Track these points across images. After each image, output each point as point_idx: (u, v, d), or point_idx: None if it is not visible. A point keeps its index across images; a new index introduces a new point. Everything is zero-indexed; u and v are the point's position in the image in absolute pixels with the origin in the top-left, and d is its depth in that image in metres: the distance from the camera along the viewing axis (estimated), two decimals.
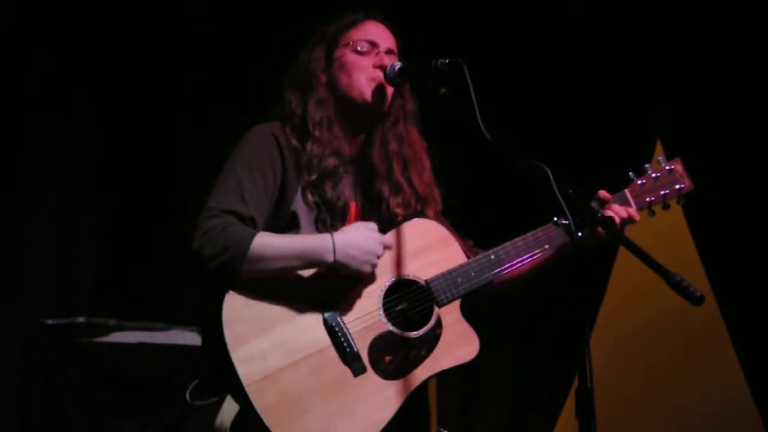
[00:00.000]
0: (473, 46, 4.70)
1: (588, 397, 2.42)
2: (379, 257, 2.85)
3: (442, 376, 2.96)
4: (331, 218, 2.93)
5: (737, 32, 4.69)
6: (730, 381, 4.85)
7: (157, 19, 4.68)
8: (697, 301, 2.45)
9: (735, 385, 4.76)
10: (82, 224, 4.59)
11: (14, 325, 4.37)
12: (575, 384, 2.45)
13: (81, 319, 4.40)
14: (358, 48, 3.02)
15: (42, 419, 4.35)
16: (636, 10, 4.83)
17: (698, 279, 4.50)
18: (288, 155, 2.93)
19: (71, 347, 4.38)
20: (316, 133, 2.95)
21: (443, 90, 2.82)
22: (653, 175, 3.20)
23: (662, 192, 3.19)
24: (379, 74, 3.00)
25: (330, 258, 2.80)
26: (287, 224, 2.90)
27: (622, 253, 4.74)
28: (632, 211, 3.12)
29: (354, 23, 3.07)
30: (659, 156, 3.24)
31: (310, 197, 2.92)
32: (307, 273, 2.86)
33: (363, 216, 3.02)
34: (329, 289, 2.87)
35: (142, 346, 4.43)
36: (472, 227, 3.26)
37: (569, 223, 2.57)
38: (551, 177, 2.59)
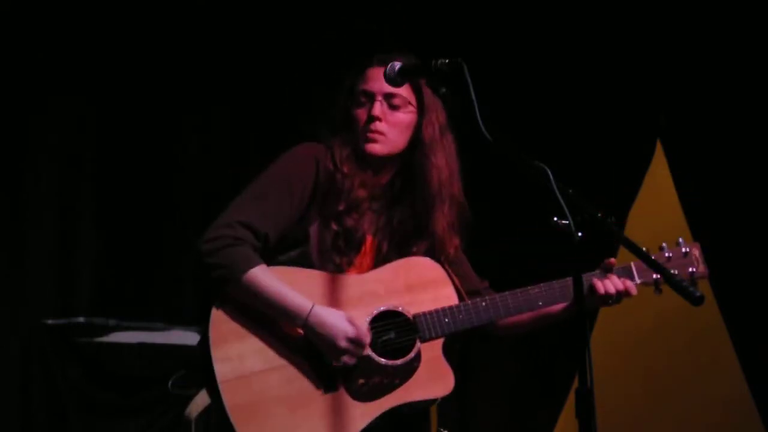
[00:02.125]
0: (473, 46, 4.70)
1: (588, 397, 2.43)
2: (341, 349, 2.88)
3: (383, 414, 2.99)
4: (346, 247, 3.01)
5: (737, 32, 4.69)
6: (730, 381, 4.85)
7: (157, 16, 4.67)
8: (697, 301, 2.45)
9: (735, 385, 4.76)
10: (82, 224, 4.60)
11: (14, 325, 4.37)
12: (575, 384, 2.46)
13: (81, 319, 4.41)
14: (360, 101, 3.08)
15: (42, 419, 4.35)
16: (636, 9, 4.83)
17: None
18: (323, 180, 3.01)
19: (71, 347, 4.39)
20: (345, 168, 3.03)
21: (443, 90, 2.82)
22: (666, 254, 3.18)
23: (672, 272, 3.08)
24: (375, 125, 3.04)
25: (299, 323, 2.90)
26: (301, 241, 2.99)
27: (622, 253, 4.74)
28: (630, 285, 3.11)
29: (361, 71, 3.12)
30: (680, 238, 3.22)
31: (333, 225, 3.00)
32: (299, 290, 2.93)
33: (377, 252, 3.08)
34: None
35: (142, 346, 4.43)
36: (473, 227, 3.26)
37: (569, 223, 2.57)
38: (552, 177, 2.59)
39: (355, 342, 2.89)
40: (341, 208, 3.00)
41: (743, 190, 4.68)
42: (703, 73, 4.75)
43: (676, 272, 3.15)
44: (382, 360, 2.94)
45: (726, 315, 4.69)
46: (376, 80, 3.07)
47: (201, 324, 2.96)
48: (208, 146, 4.75)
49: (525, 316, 3.14)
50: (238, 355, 2.86)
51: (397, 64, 3.00)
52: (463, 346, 3.09)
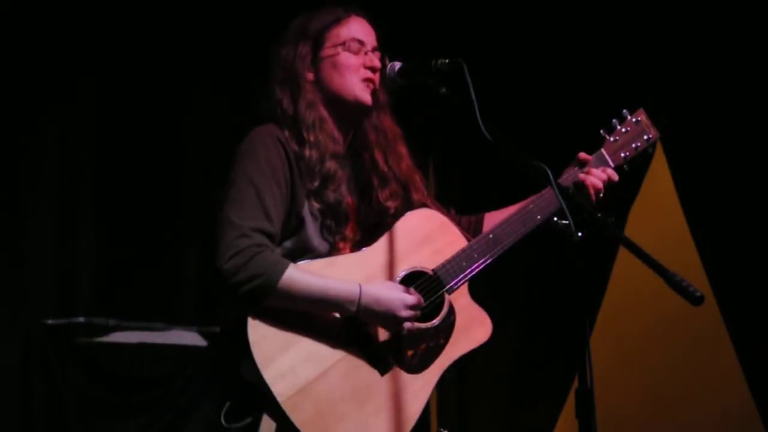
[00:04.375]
0: (473, 46, 4.70)
1: (588, 397, 2.43)
2: (403, 318, 2.85)
3: (442, 376, 2.98)
4: (335, 224, 2.95)
5: (737, 32, 4.69)
6: (730, 381, 4.85)
7: (158, 13, 4.67)
8: (697, 301, 2.45)
9: (735, 386, 4.76)
10: (82, 224, 4.59)
11: (14, 325, 4.37)
12: (575, 384, 2.46)
13: (81, 319, 4.40)
14: (349, 47, 3.02)
15: (42, 419, 4.35)
16: (636, 8, 4.83)
17: (698, 279, 4.50)
18: (293, 160, 2.93)
19: (71, 347, 4.38)
20: (311, 137, 2.95)
21: (443, 90, 2.82)
22: (623, 129, 3.22)
23: (634, 145, 3.21)
24: (370, 74, 3.01)
25: (353, 308, 2.82)
26: (296, 227, 2.91)
27: (622, 253, 4.75)
28: (611, 171, 3.14)
29: (338, 20, 3.06)
30: (624, 109, 3.25)
31: (315, 204, 2.92)
32: None
33: (358, 211, 3.04)
34: None
35: (142, 346, 4.43)
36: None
37: (569, 223, 2.58)
38: (551, 177, 2.59)
39: (415, 307, 2.86)
40: (317, 184, 2.92)
41: (743, 191, 4.68)
42: (703, 73, 4.75)
43: (639, 143, 3.21)
44: (423, 324, 2.90)
45: (726, 315, 4.69)
46: (366, 32, 3.06)
47: (231, 345, 2.87)
48: (208, 145, 4.75)
49: (522, 234, 3.09)
50: (290, 369, 2.75)
51: (397, 65, 3.01)
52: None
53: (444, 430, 4.19)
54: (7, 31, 4.42)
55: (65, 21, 4.54)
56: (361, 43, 3.03)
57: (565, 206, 2.57)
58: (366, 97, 3.01)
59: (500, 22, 4.98)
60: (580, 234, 2.59)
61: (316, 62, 3.03)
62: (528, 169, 2.64)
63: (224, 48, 4.80)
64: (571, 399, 3.28)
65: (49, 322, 4.37)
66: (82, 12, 4.55)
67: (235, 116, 4.76)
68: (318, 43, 3.04)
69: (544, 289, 4.95)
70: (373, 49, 3.05)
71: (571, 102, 4.93)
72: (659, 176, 4.89)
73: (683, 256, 4.67)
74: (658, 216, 4.90)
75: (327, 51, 3.03)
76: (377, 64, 3.02)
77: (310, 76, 3.03)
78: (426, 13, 4.88)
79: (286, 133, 2.95)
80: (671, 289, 2.47)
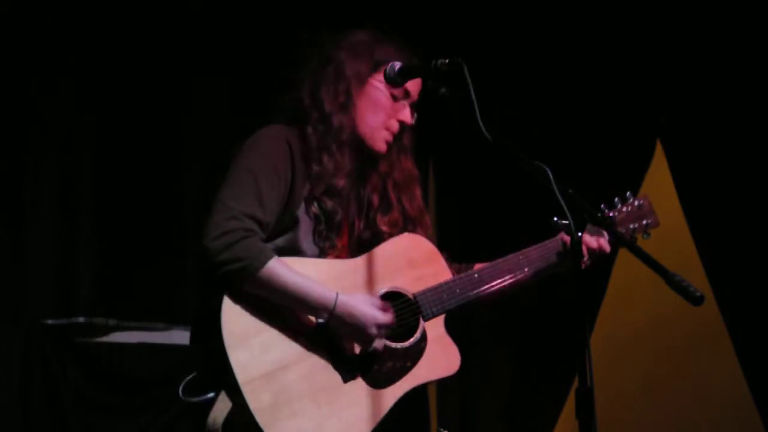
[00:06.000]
0: (473, 46, 4.70)
1: (588, 397, 2.43)
2: (372, 336, 2.86)
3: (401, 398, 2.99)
4: (327, 230, 2.96)
5: (737, 33, 4.69)
6: (730, 381, 4.85)
7: (157, 17, 4.67)
8: (697, 301, 2.45)
9: (735, 385, 4.76)
10: (82, 224, 4.59)
11: (14, 325, 4.37)
12: (575, 384, 2.46)
13: (81, 319, 4.40)
14: (394, 94, 3.03)
15: (42, 419, 4.35)
16: (637, 10, 4.83)
17: (698, 279, 4.50)
18: (298, 163, 2.95)
19: (71, 347, 4.39)
20: (334, 146, 2.97)
21: (443, 90, 2.82)
22: (624, 209, 3.28)
23: (631, 225, 3.27)
24: (396, 128, 3.04)
25: (325, 315, 2.84)
26: (289, 226, 2.93)
27: (622, 253, 4.74)
28: (603, 242, 3.18)
29: (400, 54, 3.05)
30: (627, 191, 3.31)
31: (313, 207, 2.95)
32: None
33: (350, 229, 3.06)
34: None
35: (142, 346, 4.43)
36: (472, 228, 3.27)
37: (569, 223, 2.58)
38: (551, 177, 2.59)
39: (386, 327, 2.87)
40: (321, 191, 2.95)
41: (743, 191, 4.68)
42: (703, 73, 4.76)
43: (636, 225, 3.27)
44: (393, 344, 2.92)
45: (726, 315, 4.69)
46: (416, 85, 3.06)
47: (200, 322, 2.90)
48: (208, 146, 4.75)
49: (507, 283, 3.13)
50: (256, 355, 2.76)
51: (397, 65, 3.01)
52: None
53: (444, 430, 4.19)
54: (7, 31, 4.42)
55: (65, 21, 4.54)
56: (408, 94, 3.05)
57: (564, 206, 2.57)
58: (381, 146, 3.05)
59: (500, 22, 4.98)
60: (580, 234, 2.60)
61: (361, 83, 3.03)
62: (528, 169, 2.64)
63: (224, 47, 4.79)
64: (571, 399, 3.28)
65: (49, 322, 4.38)
66: (81, 12, 4.55)
67: (233, 117, 4.76)
68: (376, 67, 3.03)
69: (544, 289, 4.94)
70: (413, 104, 3.07)
71: (571, 102, 4.94)
72: (659, 176, 4.89)
73: (683, 256, 4.67)
74: (658, 215, 4.90)
75: (376, 82, 3.03)
76: (410, 120, 3.05)
77: (354, 93, 3.02)
78: (426, 13, 4.87)
79: (296, 131, 2.98)
80: (671, 289, 2.47)
